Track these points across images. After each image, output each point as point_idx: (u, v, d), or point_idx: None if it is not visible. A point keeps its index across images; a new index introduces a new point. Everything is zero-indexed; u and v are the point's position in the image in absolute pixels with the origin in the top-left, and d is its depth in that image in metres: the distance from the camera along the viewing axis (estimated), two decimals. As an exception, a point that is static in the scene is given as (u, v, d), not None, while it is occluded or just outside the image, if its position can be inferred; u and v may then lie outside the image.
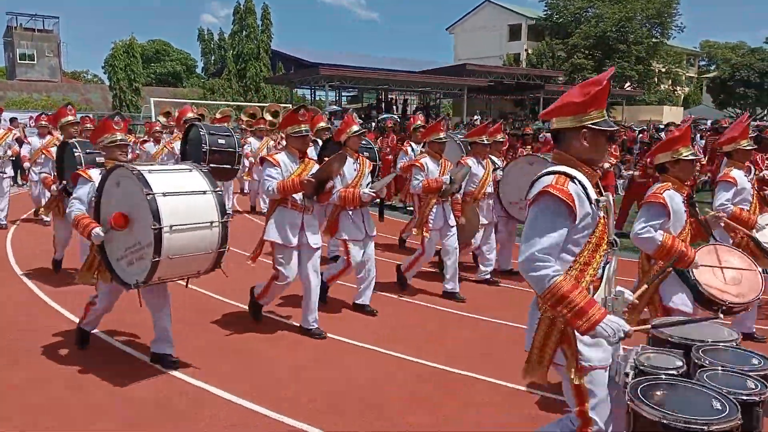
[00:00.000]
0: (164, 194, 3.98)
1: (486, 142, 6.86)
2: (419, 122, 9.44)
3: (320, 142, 8.08)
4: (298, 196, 5.14)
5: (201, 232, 4.15)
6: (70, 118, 7.38)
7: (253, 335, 5.32)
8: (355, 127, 5.88)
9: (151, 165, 4.42)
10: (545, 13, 46.37)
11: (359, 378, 4.49)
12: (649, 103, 43.03)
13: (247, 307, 5.74)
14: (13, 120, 16.12)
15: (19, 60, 43.65)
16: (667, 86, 49.11)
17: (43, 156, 7.81)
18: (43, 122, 10.06)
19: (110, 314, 4.85)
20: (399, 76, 32.05)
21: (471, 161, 6.78)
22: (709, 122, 20.50)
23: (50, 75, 44.01)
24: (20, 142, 11.17)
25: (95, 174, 4.56)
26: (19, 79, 41.95)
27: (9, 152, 9.93)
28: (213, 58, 47.77)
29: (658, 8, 43.04)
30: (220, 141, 7.03)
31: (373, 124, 20.66)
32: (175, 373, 4.46)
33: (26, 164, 10.43)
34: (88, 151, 6.02)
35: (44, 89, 40.05)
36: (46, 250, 7.47)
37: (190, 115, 9.62)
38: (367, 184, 5.77)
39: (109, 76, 34.47)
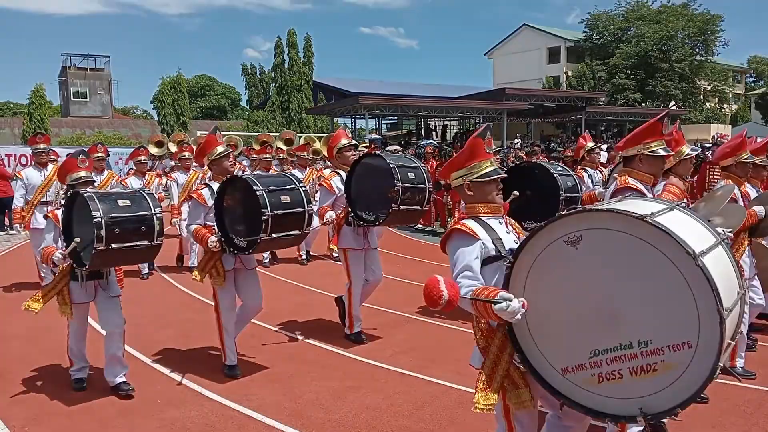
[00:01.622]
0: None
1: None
2: (590, 144, 7.99)
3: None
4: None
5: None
6: (100, 155, 8.38)
7: (293, 360, 5.39)
8: (344, 141, 6.03)
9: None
10: (584, 34, 46.10)
11: (401, 403, 4.48)
12: (695, 122, 42.08)
13: (279, 331, 5.84)
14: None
15: (73, 98, 45.67)
16: (713, 104, 47.99)
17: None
18: (100, 154, 9.01)
19: (141, 334, 4.98)
20: (438, 102, 32.21)
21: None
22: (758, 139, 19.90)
23: (102, 111, 45.85)
24: None
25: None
26: (73, 116, 43.79)
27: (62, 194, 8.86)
28: (256, 91, 49.09)
29: (700, 26, 42.33)
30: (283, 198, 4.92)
31: (413, 150, 20.76)
32: (219, 398, 4.54)
33: None
34: None
35: (96, 125, 41.68)
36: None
37: (220, 149, 9.38)
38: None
39: (158, 111, 35.61)
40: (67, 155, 7.53)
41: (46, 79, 73.86)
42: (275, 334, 6.13)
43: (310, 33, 41.03)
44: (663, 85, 41.95)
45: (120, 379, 4.66)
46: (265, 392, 4.68)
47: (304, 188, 4.85)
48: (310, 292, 8.08)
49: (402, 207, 5.36)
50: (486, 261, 2.79)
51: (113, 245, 4.13)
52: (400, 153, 9.23)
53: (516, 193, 3.11)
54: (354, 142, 6.31)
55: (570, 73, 46.41)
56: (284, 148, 13.41)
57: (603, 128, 39.76)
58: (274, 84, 41.20)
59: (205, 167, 5.53)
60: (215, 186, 4.99)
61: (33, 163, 8.39)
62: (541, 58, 50.46)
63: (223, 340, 5.08)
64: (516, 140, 29.03)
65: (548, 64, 50.11)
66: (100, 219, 4.07)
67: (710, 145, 17.10)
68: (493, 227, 2.89)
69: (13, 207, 8.41)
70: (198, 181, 9.77)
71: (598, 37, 45.17)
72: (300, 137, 16.50)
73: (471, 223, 2.85)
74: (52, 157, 9.34)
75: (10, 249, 11.66)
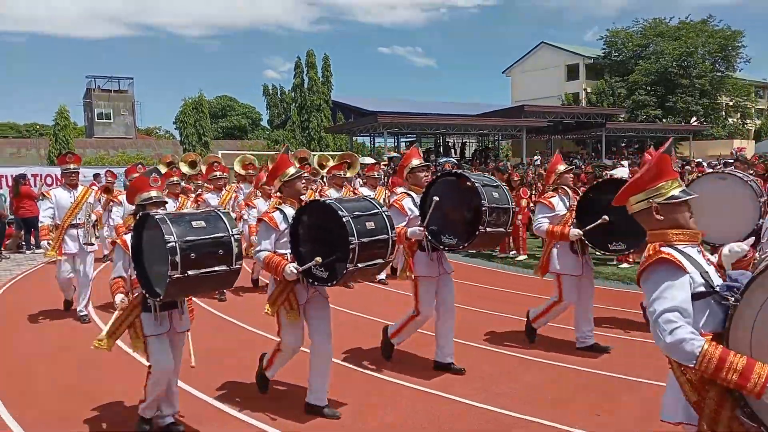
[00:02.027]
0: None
1: None
2: (561, 166, 6.57)
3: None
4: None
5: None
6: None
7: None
8: (416, 161, 5.70)
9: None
10: (603, 51, 46.03)
11: (423, 422, 4.46)
12: (717, 138, 41.64)
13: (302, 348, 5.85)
14: (96, 176, 15.75)
15: (97, 119, 46.57)
16: (735, 119, 47.48)
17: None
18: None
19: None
20: (456, 119, 32.31)
21: None
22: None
23: (125, 132, 46.64)
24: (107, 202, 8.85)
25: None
26: (97, 137, 44.60)
27: (93, 216, 7.73)
28: (277, 111, 49.74)
29: (721, 42, 42.06)
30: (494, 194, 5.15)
31: (433, 168, 20.81)
32: (239, 414, 4.56)
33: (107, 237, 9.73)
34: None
35: (120, 146, 42.39)
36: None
37: (292, 170, 8.60)
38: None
39: (180, 131, 36.16)
40: (133, 172, 7.74)
41: (71, 101, 75.80)
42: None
43: (328, 53, 41.48)
44: (683, 101, 41.65)
45: (169, 419, 4.38)
46: (285, 408, 4.68)
47: (387, 213, 4.48)
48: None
49: (488, 229, 4.96)
50: (693, 297, 2.44)
51: (189, 272, 3.68)
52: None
53: (606, 218, 2.94)
54: (426, 162, 5.98)
55: (589, 90, 46.30)
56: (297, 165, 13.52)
57: (624, 144, 39.50)
58: (294, 104, 41.69)
59: (275, 190, 5.14)
60: (288, 210, 4.61)
61: (62, 183, 7.83)
62: (559, 75, 50.44)
63: (268, 366, 4.85)
64: (536, 157, 28.94)
65: (567, 81, 50.07)
66: (174, 244, 3.61)
67: (732, 160, 16.88)
68: (694, 257, 2.53)
69: (39, 224, 7.75)
70: (232, 201, 10.04)
71: (616, 53, 45.09)
72: (314, 155, 16.44)
73: (675, 253, 2.49)
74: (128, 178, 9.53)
75: (35, 268, 11.85)
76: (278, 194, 4.93)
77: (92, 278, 7.75)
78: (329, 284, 4.29)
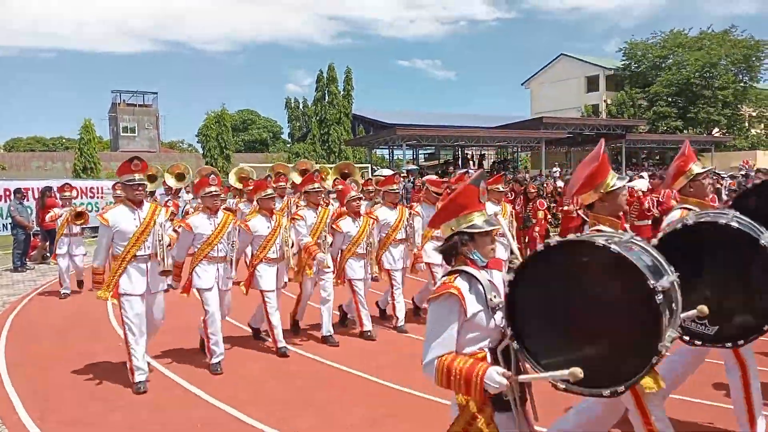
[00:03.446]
0: None
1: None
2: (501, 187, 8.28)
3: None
4: None
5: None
6: (212, 189, 6.06)
7: (328, 386, 5.47)
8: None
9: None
10: (623, 62, 45.81)
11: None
12: (740, 149, 41.10)
13: (314, 358, 5.98)
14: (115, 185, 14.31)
15: (122, 133, 47.48)
16: (759, 130, 46.83)
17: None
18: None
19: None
20: (475, 132, 32.33)
21: None
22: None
23: (149, 146, 47.44)
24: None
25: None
26: (122, 150, 45.40)
27: (166, 239, 5.72)
28: (298, 124, 50.30)
29: (744, 53, 41.60)
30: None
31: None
32: (256, 423, 4.65)
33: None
34: None
35: (144, 159, 43.05)
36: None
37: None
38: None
39: (203, 144, 36.68)
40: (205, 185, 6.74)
41: (96, 114, 77.38)
42: (310, 360, 6.24)
43: (350, 67, 41.89)
44: (706, 111, 41.23)
45: None
46: (301, 418, 4.76)
47: None
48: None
49: None
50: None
51: None
52: None
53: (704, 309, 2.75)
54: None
55: (609, 101, 46.05)
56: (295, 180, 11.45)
57: (644, 156, 39.17)
58: (314, 117, 42.12)
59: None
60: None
61: (123, 200, 5.64)
62: (579, 86, 50.27)
63: None
64: (555, 169, 28.85)
65: (587, 93, 49.87)
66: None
67: (746, 173, 16.72)
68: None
69: (93, 266, 5.46)
70: (330, 218, 7.25)
71: (636, 65, 44.81)
72: (317, 166, 15.04)
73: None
74: (119, 192, 9.35)
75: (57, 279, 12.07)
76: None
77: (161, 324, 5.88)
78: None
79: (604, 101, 47.54)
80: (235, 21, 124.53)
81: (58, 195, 10.04)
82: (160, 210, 5.62)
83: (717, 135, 41.35)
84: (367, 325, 6.93)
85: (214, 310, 5.81)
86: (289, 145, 49.38)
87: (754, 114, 45.69)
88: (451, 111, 56.70)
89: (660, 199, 10.46)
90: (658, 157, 39.42)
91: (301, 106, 50.61)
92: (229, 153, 36.38)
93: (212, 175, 6.22)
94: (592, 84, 50.13)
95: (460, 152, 36.37)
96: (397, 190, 7.58)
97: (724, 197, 13.52)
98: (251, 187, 8.82)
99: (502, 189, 8.15)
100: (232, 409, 4.97)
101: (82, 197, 18.25)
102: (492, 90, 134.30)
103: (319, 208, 6.90)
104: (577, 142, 35.87)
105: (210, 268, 5.86)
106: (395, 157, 38.74)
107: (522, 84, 56.26)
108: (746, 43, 42.15)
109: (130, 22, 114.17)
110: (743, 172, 17.87)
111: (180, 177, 13.30)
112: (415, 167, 28.39)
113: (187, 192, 12.96)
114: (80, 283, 10.34)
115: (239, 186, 11.53)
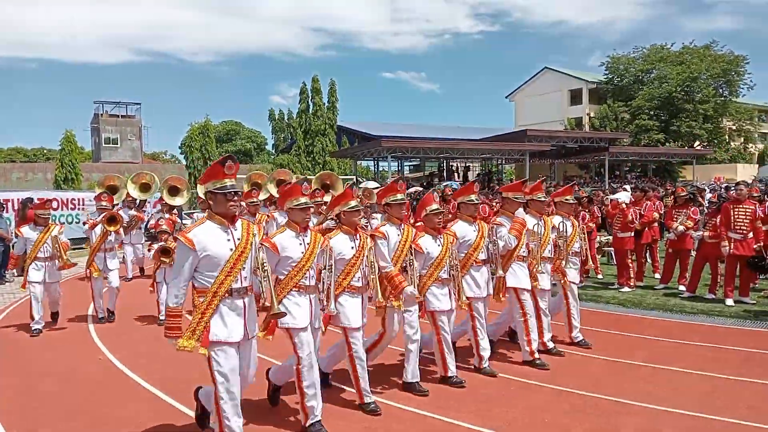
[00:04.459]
0: None
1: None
2: (433, 206, 5.75)
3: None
4: None
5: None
6: (303, 200, 5.37)
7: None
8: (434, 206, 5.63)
9: None
10: (605, 76, 46.42)
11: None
12: (720, 162, 41.74)
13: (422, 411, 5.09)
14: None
15: (104, 144, 47.07)
16: (738, 144, 47.61)
17: None
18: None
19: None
20: (459, 144, 32.52)
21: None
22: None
23: (132, 157, 47.07)
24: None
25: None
26: (104, 161, 45.02)
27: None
28: (283, 135, 50.26)
29: (724, 67, 42.35)
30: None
31: (439, 192, 20.84)
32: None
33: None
34: None
35: (126, 170, 42.60)
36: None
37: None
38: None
39: (186, 156, 36.48)
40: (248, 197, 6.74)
41: (79, 125, 76.95)
42: (412, 414, 5.25)
43: (334, 79, 42.03)
44: (687, 125, 41.85)
45: None
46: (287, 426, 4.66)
47: None
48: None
49: None
50: None
51: None
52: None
53: None
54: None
55: (592, 115, 46.59)
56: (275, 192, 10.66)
57: (627, 169, 39.63)
58: (299, 128, 42.14)
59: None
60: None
61: (210, 215, 4.12)
62: (562, 100, 50.82)
63: None
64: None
65: (570, 106, 50.44)
66: None
67: (726, 186, 16.92)
68: None
69: (169, 306, 4.03)
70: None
71: (619, 79, 45.44)
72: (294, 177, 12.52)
73: None
74: (104, 203, 9.05)
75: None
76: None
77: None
78: None
79: (587, 114, 48.09)
80: (219, 33, 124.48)
81: (35, 212, 8.59)
82: (253, 228, 4.24)
83: (698, 148, 41.96)
84: (452, 369, 5.63)
85: (311, 353, 4.52)
86: (273, 157, 49.32)
87: (734, 127, 46.47)
88: (436, 123, 56.98)
89: (642, 212, 10.54)
90: (640, 170, 39.89)
91: (285, 118, 50.62)
92: (213, 164, 36.28)
93: (305, 183, 5.61)
94: (575, 97, 50.71)
95: (445, 164, 36.53)
96: (476, 201, 5.98)
97: (705, 209, 13.65)
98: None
99: (571, 201, 6.99)
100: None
101: (62, 209, 18.08)
102: (476, 102, 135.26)
103: (402, 224, 5.50)
104: (561, 155, 36.23)
105: (302, 300, 4.60)
106: (380, 169, 38.81)
107: (506, 97, 56.81)
108: (726, 57, 42.95)
109: (114, 32, 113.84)
110: (724, 185, 18.09)
111: (144, 188, 11.93)
112: (455, 183, 25.92)
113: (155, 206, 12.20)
114: (110, 313, 8.78)
115: (274, 192, 10.42)
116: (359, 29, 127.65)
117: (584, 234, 7.23)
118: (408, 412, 4.98)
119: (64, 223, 15.69)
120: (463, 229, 5.87)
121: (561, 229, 6.62)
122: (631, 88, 44.23)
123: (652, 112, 42.62)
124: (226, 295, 3.95)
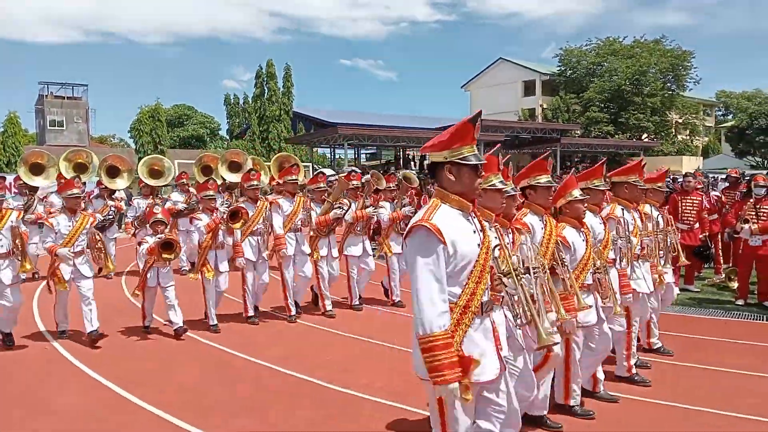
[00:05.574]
0: None
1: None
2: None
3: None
4: None
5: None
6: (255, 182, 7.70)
7: (267, 391, 5.32)
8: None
9: None
10: (558, 69, 47.21)
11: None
12: (667, 154, 43.09)
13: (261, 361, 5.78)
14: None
15: (49, 126, 45.30)
16: (684, 136, 49.23)
17: None
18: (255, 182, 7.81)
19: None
20: (416, 132, 32.62)
21: None
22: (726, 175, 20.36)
23: (78, 140, 45.41)
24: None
25: None
26: (49, 144, 43.37)
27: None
28: (238, 120, 49.30)
29: (672, 62, 43.62)
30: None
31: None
32: (193, 428, 4.47)
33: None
34: None
35: (72, 154, 41.36)
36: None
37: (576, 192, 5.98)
38: None
39: (135, 140, 35.51)
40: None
41: (23, 107, 73.71)
42: (244, 360, 6.07)
43: (290, 64, 41.43)
44: (636, 117, 43.01)
45: None
46: (238, 421, 4.62)
47: None
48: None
49: None
50: None
51: None
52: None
53: None
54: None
55: (545, 106, 47.38)
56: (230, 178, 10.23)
57: (577, 159, 40.52)
58: (254, 114, 41.48)
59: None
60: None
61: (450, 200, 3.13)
62: (516, 91, 51.44)
63: None
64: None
65: (524, 97, 51.12)
66: None
67: (673, 177, 17.46)
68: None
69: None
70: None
71: (571, 71, 46.28)
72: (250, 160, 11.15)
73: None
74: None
75: None
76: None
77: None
78: None
79: (540, 106, 48.87)
80: (170, 12, 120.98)
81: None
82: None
83: (646, 140, 43.20)
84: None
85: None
86: (227, 142, 48.40)
87: (680, 121, 48.00)
88: (393, 112, 56.98)
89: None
90: (590, 161, 40.83)
91: (241, 102, 49.68)
92: (164, 149, 35.35)
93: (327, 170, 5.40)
94: (528, 88, 51.41)
95: (401, 153, 36.59)
96: (602, 187, 4.94)
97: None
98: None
99: (663, 189, 5.94)
100: (165, 413, 4.77)
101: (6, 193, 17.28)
102: (432, 92, 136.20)
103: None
104: (514, 145, 36.73)
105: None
106: (336, 156, 38.63)
107: (461, 87, 57.14)
108: (674, 52, 44.23)
109: (60, 10, 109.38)
110: (671, 177, 18.64)
111: (80, 168, 10.15)
112: (356, 169, 27.13)
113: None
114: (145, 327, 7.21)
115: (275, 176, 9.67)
116: (317, 14, 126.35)
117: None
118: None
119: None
120: (590, 221, 4.64)
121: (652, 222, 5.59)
122: (583, 81, 45.11)
123: (602, 105, 43.60)
124: (477, 311, 2.83)
